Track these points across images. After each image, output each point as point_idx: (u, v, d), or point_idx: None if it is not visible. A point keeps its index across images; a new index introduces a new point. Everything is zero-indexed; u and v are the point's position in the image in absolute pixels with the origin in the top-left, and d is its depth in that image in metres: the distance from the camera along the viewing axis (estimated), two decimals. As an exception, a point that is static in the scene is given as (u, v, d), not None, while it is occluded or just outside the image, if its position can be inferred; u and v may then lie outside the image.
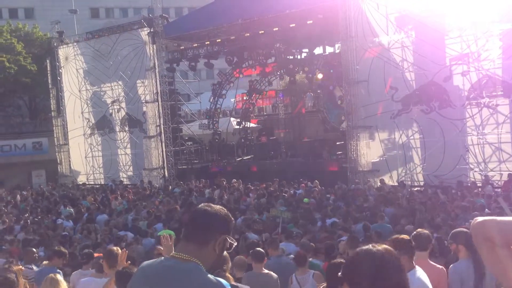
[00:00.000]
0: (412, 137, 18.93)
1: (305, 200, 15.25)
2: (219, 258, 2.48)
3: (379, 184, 17.86)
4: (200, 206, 2.54)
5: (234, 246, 2.48)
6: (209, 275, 2.33)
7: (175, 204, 15.76)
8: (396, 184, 18.14)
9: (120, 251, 5.70)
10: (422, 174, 18.71)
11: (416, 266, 4.29)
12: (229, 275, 4.77)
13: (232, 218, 2.53)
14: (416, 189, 16.75)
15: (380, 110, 19.35)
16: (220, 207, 2.51)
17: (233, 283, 4.60)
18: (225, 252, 4.40)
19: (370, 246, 2.07)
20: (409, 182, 18.46)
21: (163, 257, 2.50)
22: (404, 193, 15.60)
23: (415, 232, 5.13)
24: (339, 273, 2.11)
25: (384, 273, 1.96)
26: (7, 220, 14.50)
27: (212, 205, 2.52)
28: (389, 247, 2.07)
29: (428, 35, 17.84)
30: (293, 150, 25.61)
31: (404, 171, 19.12)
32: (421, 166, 18.76)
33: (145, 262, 2.55)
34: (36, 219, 15.13)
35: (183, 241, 2.44)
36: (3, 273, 4.64)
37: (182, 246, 2.43)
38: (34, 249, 8.33)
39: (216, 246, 2.40)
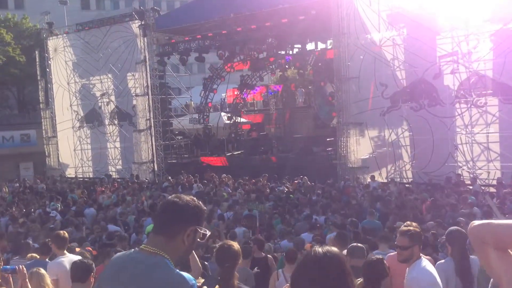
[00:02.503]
0: (401, 136, 19.01)
1: (291, 196, 15.35)
2: (189, 250, 2.44)
3: (369, 180, 17.92)
4: (169, 197, 2.50)
5: (207, 236, 2.45)
6: (175, 270, 2.30)
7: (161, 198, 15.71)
8: (385, 181, 18.23)
9: (66, 234, 6.34)
10: (411, 171, 18.81)
11: (422, 256, 4.30)
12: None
13: (204, 208, 2.47)
14: (406, 185, 16.85)
15: (370, 107, 19.42)
16: (191, 197, 2.46)
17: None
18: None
19: (312, 250, 2.10)
20: (398, 179, 18.57)
21: (133, 249, 2.48)
22: (393, 190, 15.69)
23: (395, 226, 5.11)
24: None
25: (324, 275, 2.00)
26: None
27: (182, 196, 2.47)
28: (331, 248, 2.09)
29: (419, 33, 17.90)
30: (283, 146, 25.60)
31: (393, 168, 19.21)
32: (410, 163, 18.85)
33: (117, 254, 2.56)
34: (23, 211, 14.99)
35: (152, 234, 2.43)
36: None
37: (151, 238, 2.43)
38: (30, 242, 8.26)
39: (184, 238, 2.35)
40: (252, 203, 12.56)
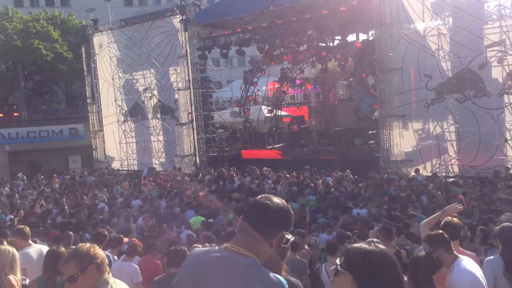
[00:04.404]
0: (447, 129, 18.51)
1: (331, 190, 15.29)
2: (274, 255, 2.35)
3: (413, 174, 17.59)
4: (259, 199, 2.39)
5: (290, 241, 2.36)
6: (270, 273, 2.23)
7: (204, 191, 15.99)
8: (430, 174, 17.83)
9: (28, 229, 6.64)
10: (457, 165, 18.30)
11: (461, 256, 4.21)
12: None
13: (292, 213, 2.39)
14: (451, 180, 16.42)
15: (413, 98, 19.02)
16: (281, 201, 2.38)
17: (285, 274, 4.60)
18: None
19: (369, 246, 2.08)
20: (444, 173, 18.12)
21: (217, 247, 2.40)
22: (437, 183, 15.35)
23: (444, 221, 5.01)
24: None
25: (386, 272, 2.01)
26: (44, 204, 14.99)
27: (273, 198, 2.37)
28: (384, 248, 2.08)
29: (465, 22, 17.34)
30: (324, 139, 25.43)
31: (438, 161, 18.75)
32: (456, 157, 18.35)
33: (197, 249, 2.49)
34: (72, 203, 15.54)
35: (239, 234, 2.36)
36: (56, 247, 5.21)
37: (239, 239, 2.34)
38: (71, 233, 8.60)
39: (273, 242, 2.29)
40: (302, 197, 12.58)
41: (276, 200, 2.36)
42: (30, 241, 6.54)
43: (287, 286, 2.24)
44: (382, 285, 1.98)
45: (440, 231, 4.45)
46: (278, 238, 2.30)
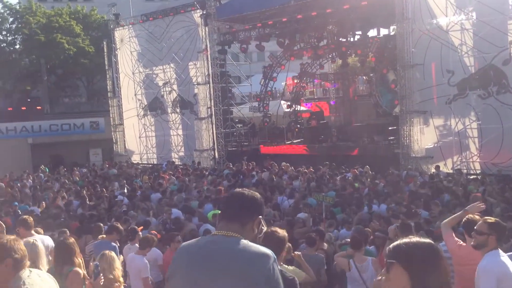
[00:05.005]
0: (469, 126, 18.22)
1: (356, 185, 15.12)
2: (256, 238, 2.64)
3: (433, 171, 17.38)
4: (237, 190, 2.82)
5: (263, 231, 2.70)
6: (258, 245, 2.50)
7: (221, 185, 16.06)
8: (451, 171, 17.60)
9: (31, 219, 6.77)
10: (479, 162, 18.02)
11: (500, 249, 4.33)
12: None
13: (263, 201, 2.75)
14: (472, 177, 16.17)
15: (435, 94, 18.76)
16: (254, 192, 2.75)
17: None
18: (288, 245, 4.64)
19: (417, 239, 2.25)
20: (465, 170, 17.87)
21: (205, 236, 2.74)
22: (457, 180, 15.14)
23: (466, 219, 5.07)
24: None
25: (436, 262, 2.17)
26: (66, 196, 15.23)
27: (246, 189, 2.78)
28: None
29: (489, 17, 17.03)
30: (343, 135, 25.27)
31: (459, 158, 18.49)
32: (477, 154, 18.07)
33: (185, 243, 2.70)
34: (93, 196, 15.74)
35: (223, 221, 2.64)
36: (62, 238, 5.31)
37: (223, 225, 2.61)
38: (101, 224, 8.80)
39: (254, 226, 2.62)
40: (318, 194, 12.54)
41: (250, 191, 2.76)
42: (32, 231, 6.68)
43: (275, 257, 2.49)
44: (432, 271, 2.13)
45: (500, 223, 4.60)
46: (257, 222, 2.64)
